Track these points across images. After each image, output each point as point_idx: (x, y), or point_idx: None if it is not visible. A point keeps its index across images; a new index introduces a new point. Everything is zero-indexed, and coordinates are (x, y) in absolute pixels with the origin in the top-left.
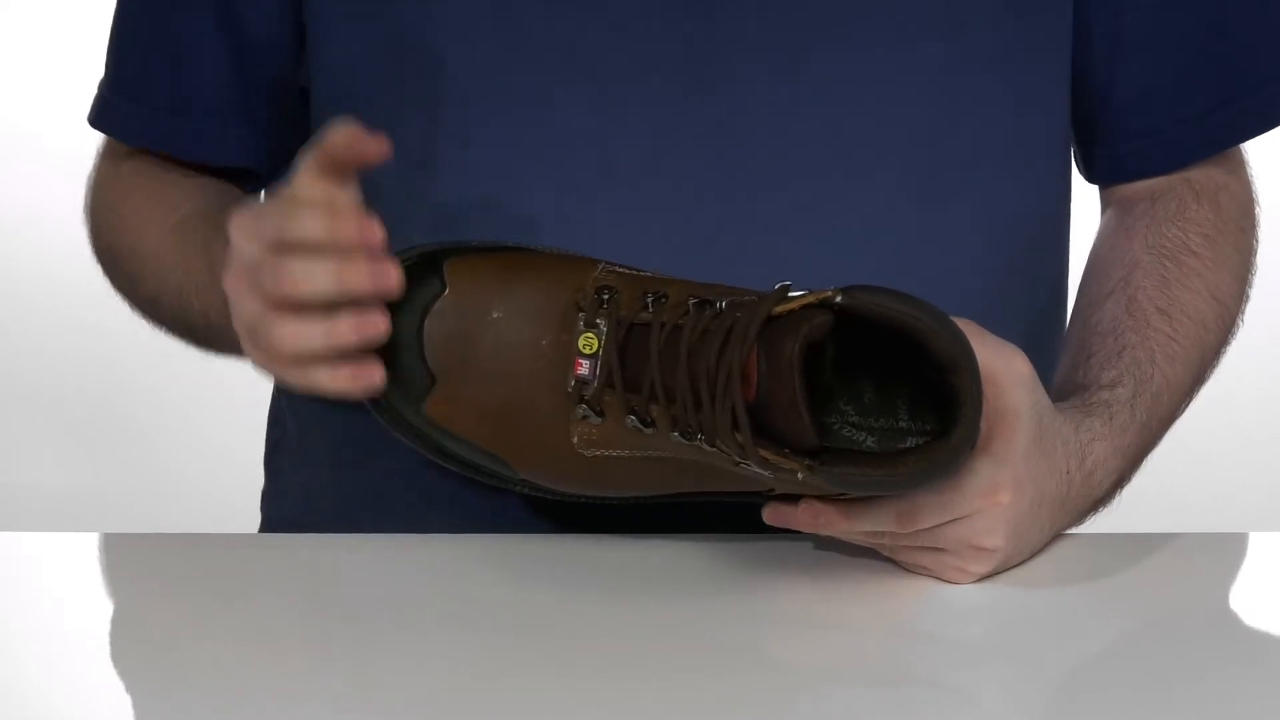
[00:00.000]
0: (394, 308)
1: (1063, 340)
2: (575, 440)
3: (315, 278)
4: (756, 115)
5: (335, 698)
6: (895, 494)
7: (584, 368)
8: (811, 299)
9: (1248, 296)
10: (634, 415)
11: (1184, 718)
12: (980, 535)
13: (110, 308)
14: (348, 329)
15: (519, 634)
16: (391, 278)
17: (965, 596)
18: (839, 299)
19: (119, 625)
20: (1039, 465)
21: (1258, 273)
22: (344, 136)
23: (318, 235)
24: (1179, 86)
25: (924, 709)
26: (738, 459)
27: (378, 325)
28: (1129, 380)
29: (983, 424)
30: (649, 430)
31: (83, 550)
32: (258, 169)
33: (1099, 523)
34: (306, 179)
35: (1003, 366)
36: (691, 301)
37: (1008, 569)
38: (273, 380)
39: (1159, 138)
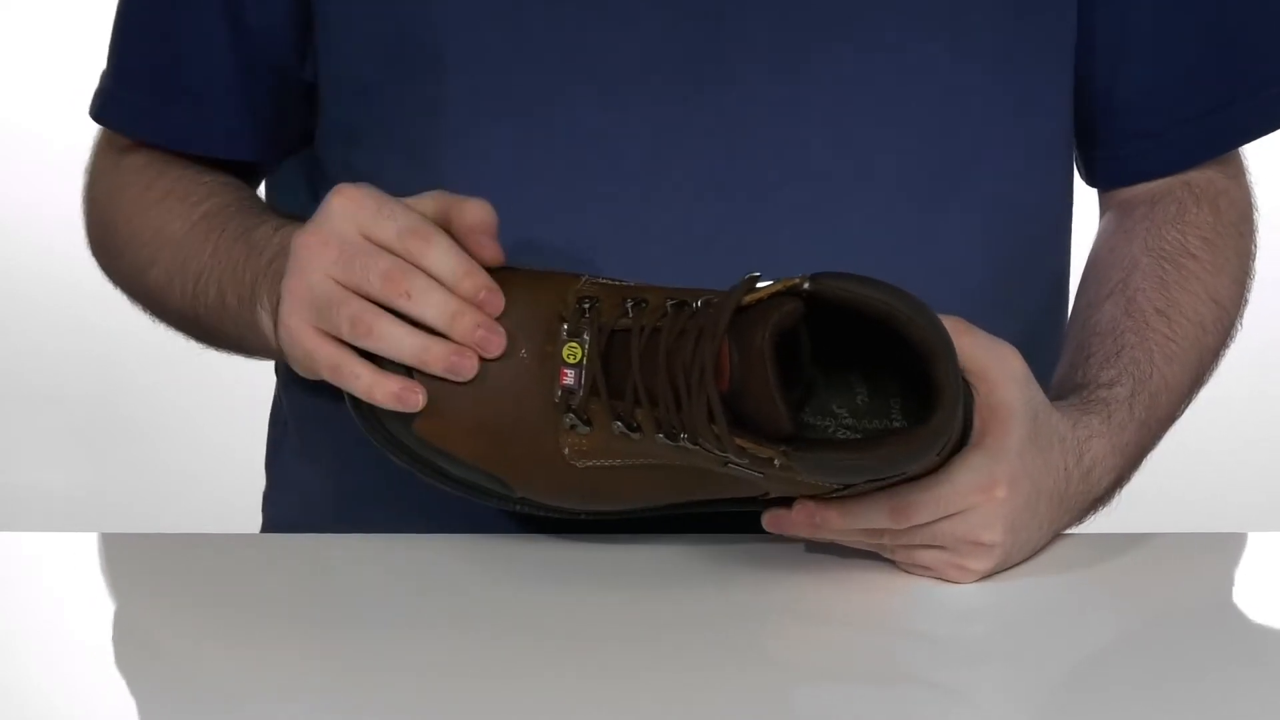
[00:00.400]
0: None
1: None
2: (566, 452)
3: (430, 305)
4: (759, 114)
5: (335, 697)
6: (878, 478)
7: (569, 377)
8: (779, 287)
9: (1246, 300)
10: (620, 421)
11: (1184, 717)
12: (978, 530)
13: (110, 308)
14: (439, 358)
15: (519, 634)
16: (495, 346)
17: (965, 596)
18: (807, 285)
19: (119, 625)
20: (1035, 461)
21: (1256, 276)
22: (482, 220)
23: (447, 275)
24: (1181, 88)
25: (924, 709)
26: (718, 453)
27: (469, 369)
28: (1127, 379)
29: (976, 420)
30: (635, 435)
31: (83, 550)
32: (260, 163)
33: (1099, 523)
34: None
35: (995, 363)
36: (669, 304)
37: (1008, 567)
38: (286, 362)
39: (1160, 139)
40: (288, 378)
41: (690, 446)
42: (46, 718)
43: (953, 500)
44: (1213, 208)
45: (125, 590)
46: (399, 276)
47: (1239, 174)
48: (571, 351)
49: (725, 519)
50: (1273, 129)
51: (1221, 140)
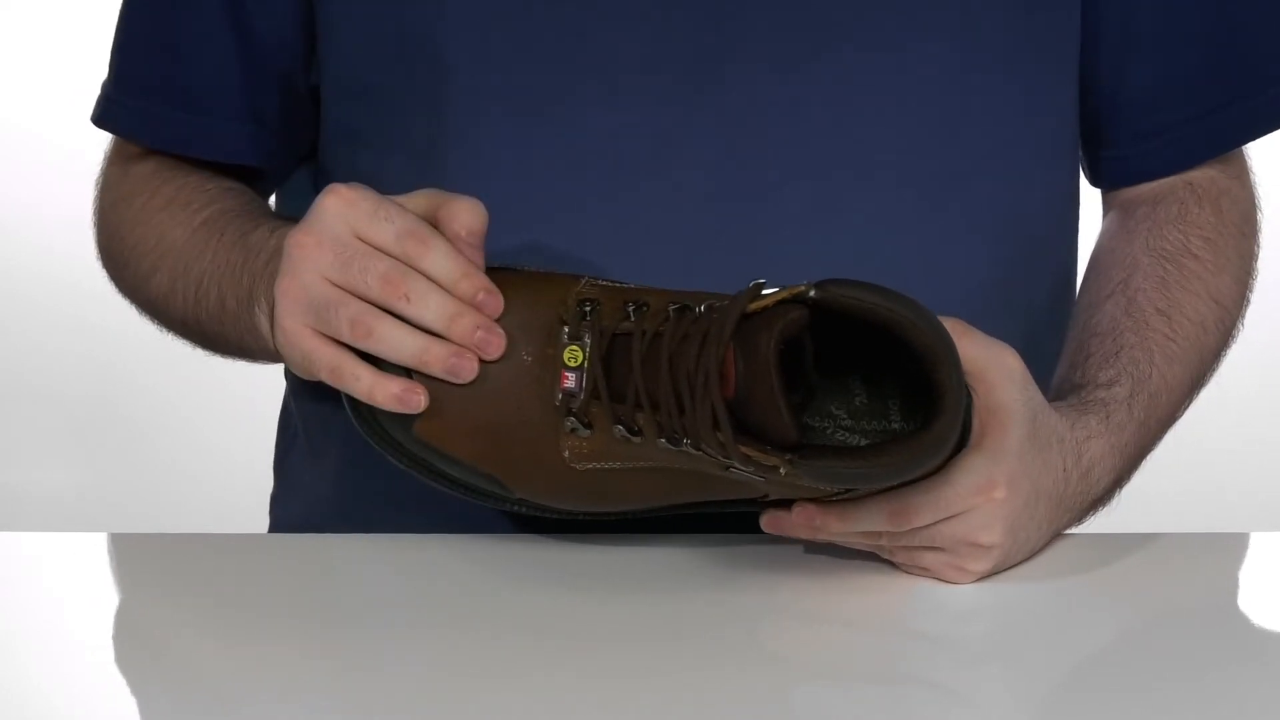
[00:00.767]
0: None
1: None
2: (566, 454)
3: (429, 308)
4: (765, 114)
5: (335, 697)
6: (880, 486)
7: (570, 380)
8: (785, 294)
9: (1248, 300)
10: (621, 425)
11: (1184, 717)
12: (977, 532)
13: (110, 307)
14: (439, 359)
15: (520, 634)
16: (494, 348)
17: (964, 596)
18: (812, 293)
19: (119, 626)
20: (1034, 461)
21: (1259, 276)
22: (472, 223)
23: (445, 278)
24: (1185, 87)
25: (924, 709)
26: (722, 459)
27: (469, 370)
28: (1126, 379)
29: (975, 421)
30: (637, 439)
31: (83, 550)
32: (265, 168)
33: (1099, 523)
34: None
35: (994, 364)
36: (672, 308)
37: (1007, 568)
38: (290, 366)
39: (1164, 138)
40: (296, 383)
41: (692, 451)
42: (46, 718)
43: (952, 502)
44: (1215, 208)
45: (125, 590)
46: (398, 279)
47: (1242, 174)
48: (572, 355)
49: (725, 519)
50: (1275, 128)
51: (1227, 138)
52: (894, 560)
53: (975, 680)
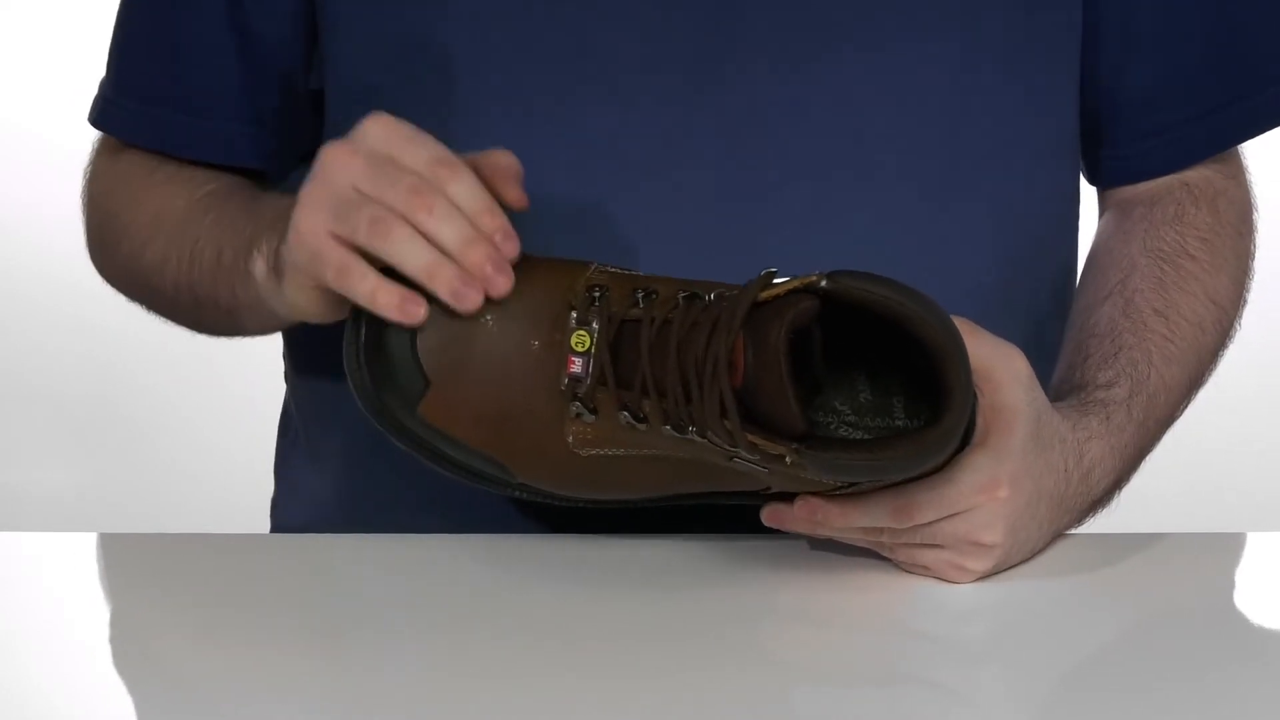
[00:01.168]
0: None
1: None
2: (570, 440)
3: (449, 226)
4: (768, 113)
5: (336, 697)
6: (885, 480)
7: (577, 365)
8: (796, 284)
9: (1245, 300)
10: (626, 411)
11: (1184, 717)
12: (978, 531)
13: (110, 307)
14: (447, 280)
15: (520, 634)
16: (500, 286)
17: (964, 596)
18: (824, 283)
19: (119, 626)
20: (1036, 462)
21: (1256, 275)
22: (509, 164)
23: (468, 207)
24: (1187, 85)
25: (924, 709)
26: (727, 448)
27: (473, 301)
28: (1125, 380)
29: (980, 420)
30: (642, 426)
31: (83, 550)
32: (265, 170)
33: (1099, 523)
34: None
35: (1000, 364)
36: (681, 296)
37: (1007, 568)
38: (293, 271)
39: (1166, 137)
40: (298, 385)
41: (698, 439)
42: (46, 718)
43: (955, 500)
44: (1211, 208)
45: (125, 591)
46: (425, 191)
47: (1238, 174)
48: (580, 339)
49: (725, 517)
50: (1272, 126)
51: (1226, 136)
52: (894, 558)
53: (975, 680)
